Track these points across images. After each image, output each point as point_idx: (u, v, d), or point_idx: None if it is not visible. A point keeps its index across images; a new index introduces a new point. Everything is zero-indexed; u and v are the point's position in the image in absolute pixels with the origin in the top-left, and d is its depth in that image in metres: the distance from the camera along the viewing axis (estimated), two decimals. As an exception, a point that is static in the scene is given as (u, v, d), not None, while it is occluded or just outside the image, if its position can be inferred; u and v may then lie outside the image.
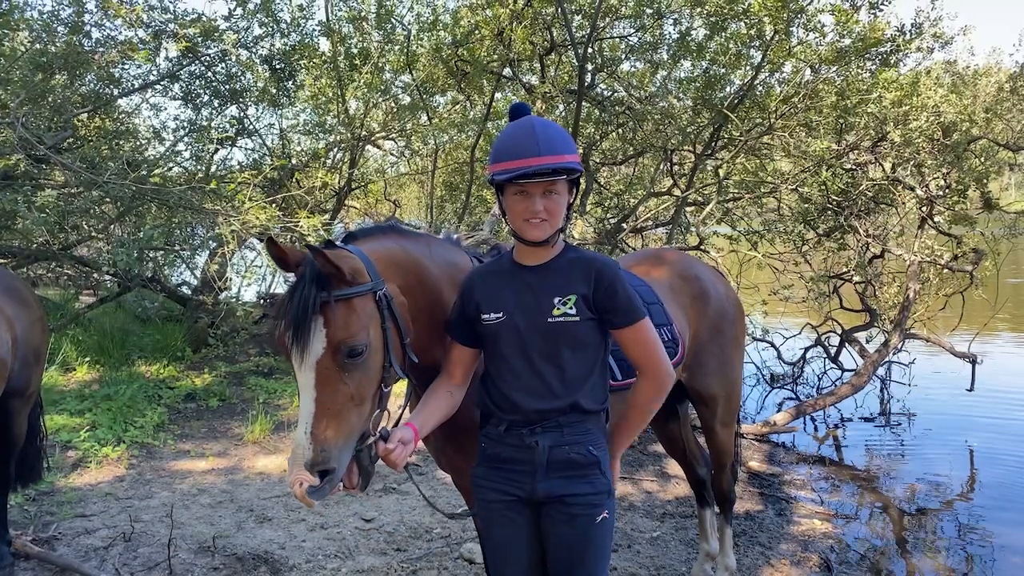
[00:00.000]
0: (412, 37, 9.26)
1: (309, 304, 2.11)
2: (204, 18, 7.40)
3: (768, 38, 7.75)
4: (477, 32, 9.07)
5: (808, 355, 9.46)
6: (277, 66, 8.81)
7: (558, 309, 2.29)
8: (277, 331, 2.17)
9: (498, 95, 9.72)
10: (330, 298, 2.13)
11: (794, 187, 8.12)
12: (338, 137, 9.14)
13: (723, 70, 8.51)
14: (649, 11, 8.82)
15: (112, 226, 8.27)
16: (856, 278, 8.62)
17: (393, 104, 9.69)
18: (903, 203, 8.36)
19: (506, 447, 2.34)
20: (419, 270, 2.46)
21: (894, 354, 8.61)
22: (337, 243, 2.32)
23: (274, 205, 7.35)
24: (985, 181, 8.08)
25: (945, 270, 8.36)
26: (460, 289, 2.46)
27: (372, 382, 2.22)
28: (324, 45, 9.32)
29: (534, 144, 2.23)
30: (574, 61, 8.81)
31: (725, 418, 3.86)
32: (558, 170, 2.22)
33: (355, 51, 9.20)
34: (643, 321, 2.35)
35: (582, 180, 2.40)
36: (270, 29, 8.40)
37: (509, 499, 2.35)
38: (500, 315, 2.33)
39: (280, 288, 9.85)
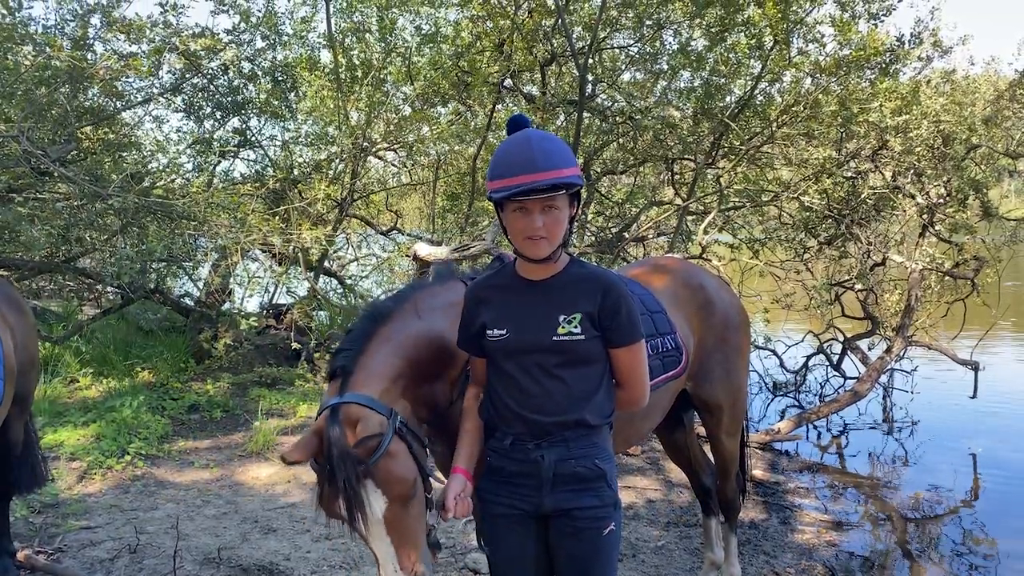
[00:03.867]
0: (413, 49, 9.30)
1: (357, 483, 2.16)
2: (208, 32, 7.44)
3: (768, 48, 7.79)
4: (478, 43, 9.11)
5: (810, 363, 9.46)
6: (279, 78, 8.85)
7: (563, 328, 2.27)
8: (329, 504, 2.23)
9: (499, 106, 9.76)
10: (369, 464, 2.19)
11: (795, 195, 8.14)
12: (340, 148, 9.17)
13: (723, 80, 8.55)
14: (649, 22, 8.86)
15: (115, 238, 8.29)
16: (858, 286, 8.63)
17: (395, 115, 9.73)
18: (904, 211, 8.39)
19: (512, 461, 2.34)
20: (416, 347, 2.51)
21: (896, 361, 8.62)
22: (335, 401, 2.30)
23: (276, 217, 7.39)
24: (985, 189, 8.10)
25: (946, 277, 8.37)
26: (464, 304, 2.46)
27: (423, 498, 2.34)
28: (326, 57, 9.37)
29: (531, 159, 2.18)
30: (575, 72, 8.85)
31: (730, 427, 3.87)
32: (557, 185, 2.18)
33: (357, 63, 9.24)
34: (640, 343, 2.38)
35: (583, 192, 2.40)
36: (272, 42, 8.45)
37: (516, 513, 2.35)
38: (505, 332, 2.32)
39: (282, 299, 9.88)
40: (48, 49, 6.68)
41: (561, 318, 2.28)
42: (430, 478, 2.42)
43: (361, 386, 2.33)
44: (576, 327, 2.27)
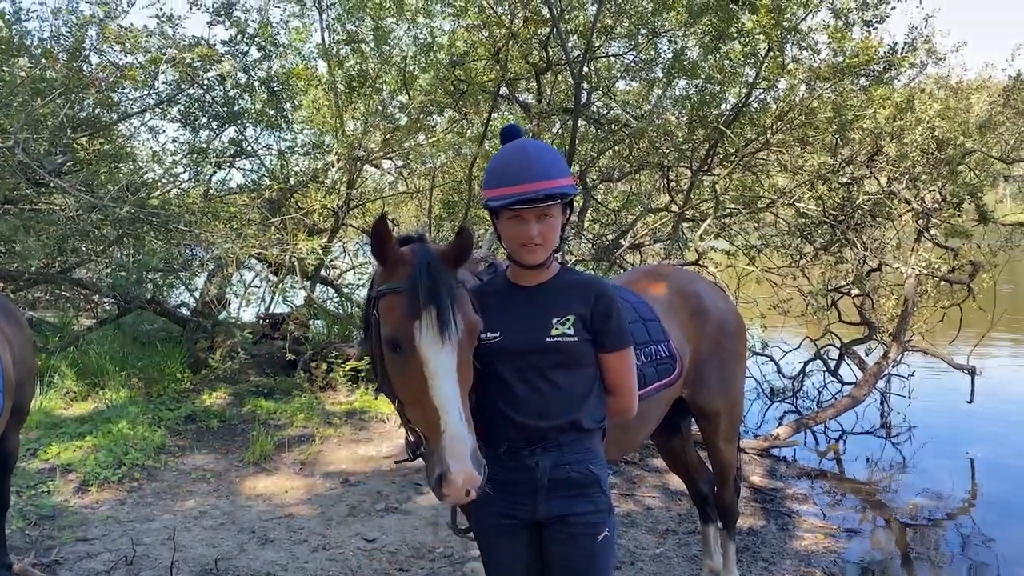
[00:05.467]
0: (409, 59, 9.32)
1: (453, 286, 2.16)
2: (203, 43, 7.45)
3: (762, 55, 7.82)
4: (473, 52, 9.13)
5: (807, 369, 9.47)
6: (275, 88, 8.86)
7: (556, 329, 2.31)
8: (408, 319, 2.13)
9: (495, 114, 9.78)
10: (460, 283, 2.22)
11: (791, 202, 8.17)
12: (336, 158, 9.18)
13: (718, 87, 8.57)
14: (644, 31, 8.89)
15: (111, 248, 8.28)
16: (854, 291, 8.65)
17: (391, 124, 9.74)
18: (899, 216, 8.41)
19: (505, 469, 2.33)
20: None
21: (893, 367, 8.62)
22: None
23: (273, 228, 7.39)
24: (980, 194, 8.12)
25: (943, 282, 8.39)
26: None
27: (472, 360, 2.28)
28: (322, 67, 9.39)
29: (527, 169, 2.25)
30: (570, 80, 8.88)
31: (727, 433, 3.87)
32: (552, 195, 2.24)
33: (353, 73, 9.26)
34: (629, 349, 2.41)
35: (578, 200, 2.44)
36: (268, 52, 8.46)
37: (510, 522, 2.36)
38: (497, 335, 2.34)
39: (279, 308, 9.86)
40: (44, 60, 6.70)
41: (554, 320, 2.32)
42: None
43: None
44: (569, 328, 2.31)
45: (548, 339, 2.30)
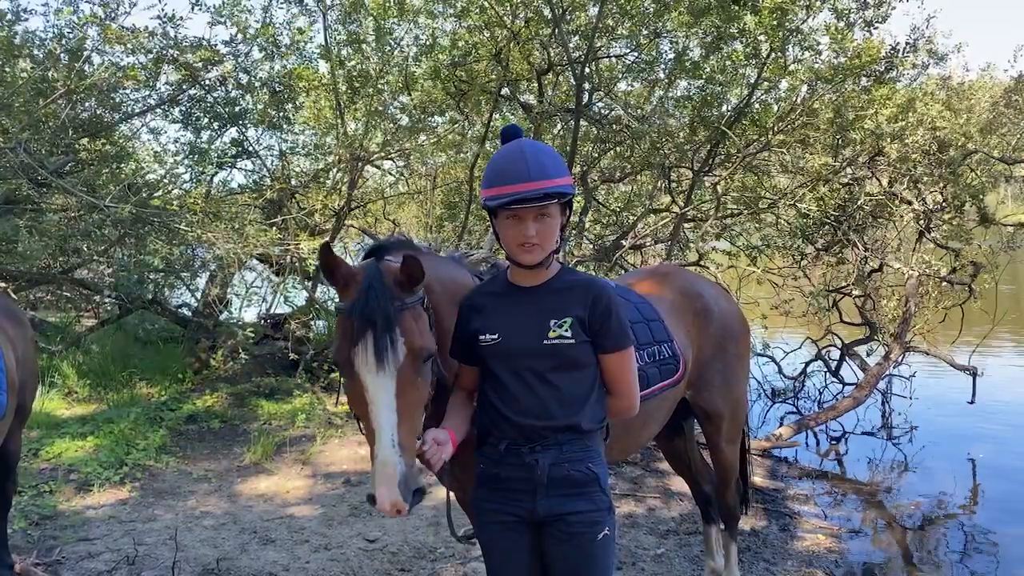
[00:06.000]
0: (410, 59, 9.32)
1: (390, 312, 2.13)
2: (205, 44, 7.44)
3: (764, 56, 7.82)
4: (474, 52, 9.13)
5: (809, 369, 9.47)
6: (276, 88, 8.86)
7: (554, 331, 2.31)
8: (346, 346, 2.15)
9: (496, 115, 9.77)
10: (404, 305, 2.18)
11: (792, 202, 8.16)
12: (337, 158, 9.18)
13: (719, 88, 8.57)
14: (645, 31, 8.89)
15: (113, 248, 8.28)
16: (855, 292, 8.64)
17: (392, 125, 9.75)
18: (901, 217, 8.41)
19: (505, 467, 2.35)
20: (429, 287, 2.47)
21: (895, 367, 8.63)
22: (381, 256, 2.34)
23: (275, 228, 7.38)
24: (981, 196, 8.12)
25: (944, 283, 8.39)
26: (458, 310, 2.47)
27: (428, 388, 2.28)
28: (323, 67, 9.38)
29: (525, 169, 2.25)
30: (571, 80, 8.88)
31: (730, 434, 3.87)
32: (549, 194, 2.24)
33: (354, 73, 9.26)
34: (629, 349, 2.41)
35: (577, 201, 2.44)
36: (269, 53, 8.45)
37: (510, 519, 2.36)
38: (496, 336, 2.35)
39: (280, 308, 9.86)
40: (46, 61, 6.70)
41: (552, 322, 2.32)
42: (438, 365, 2.35)
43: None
44: (567, 331, 2.31)
45: (545, 342, 2.31)
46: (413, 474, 2.11)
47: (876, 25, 7.75)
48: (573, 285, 2.38)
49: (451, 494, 2.63)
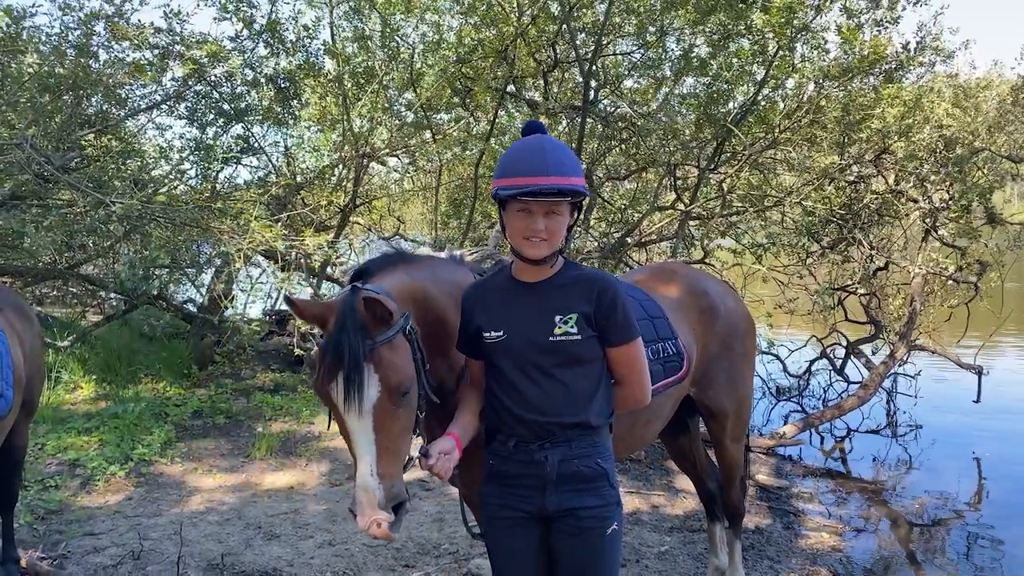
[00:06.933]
0: (416, 56, 9.32)
1: (359, 352, 2.14)
2: (211, 40, 7.45)
3: (771, 54, 7.79)
4: (480, 50, 9.12)
5: (814, 368, 9.46)
6: (282, 85, 8.86)
7: (559, 328, 2.30)
8: (323, 382, 2.19)
9: (501, 112, 9.77)
10: (376, 343, 2.17)
11: (798, 200, 8.15)
12: (343, 155, 9.18)
13: (726, 86, 8.55)
14: (652, 28, 8.87)
15: (118, 244, 8.30)
16: (861, 290, 8.63)
17: (397, 121, 9.75)
18: (907, 215, 8.38)
19: (514, 463, 2.35)
20: (426, 297, 2.49)
21: (900, 366, 8.61)
22: (358, 285, 2.30)
23: (280, 224, 7.38)
24: (988, 196, 8.10)
25: (950, 282, 8.37)
26: (461, 307, 2.47)
27: (414, 413, 2.29)
28: (329, 64, 9.38)
29: (542, 163, 2.23)
30: (578, 78, 8.86)
31: (735, 432, 3.86)
32: (563, 191, 2.22)
33: (359, 70, 9.26)
34: (637, 341, 2.40)
35: (584, 202, 2.42)
36: (275, 49, 8.46)
37: (518, 516, 2.36)
38: (501, 333, 2.34)
39: (285, 305, 9.87)
40: (52, 56, 6.70)
41: (557, 318, 2.30)
42: (424, 387, 2.36)
43: (380, 283, 2.34)
44: (572, 327, 2.30)
45: (551, 338, 2.30)
46: (393, 494, 2.18)
47: (886, 25, 7.71)
48: (577, 280, 2.36)
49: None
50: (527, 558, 2.39)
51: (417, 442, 2.43)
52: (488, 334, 2.36)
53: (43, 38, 7.40)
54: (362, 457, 2.17)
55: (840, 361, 9.17)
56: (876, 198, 8.35)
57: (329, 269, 9.79)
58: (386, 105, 9.24)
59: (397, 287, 2.37)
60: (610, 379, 2.42)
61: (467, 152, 10.37)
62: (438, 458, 2.24)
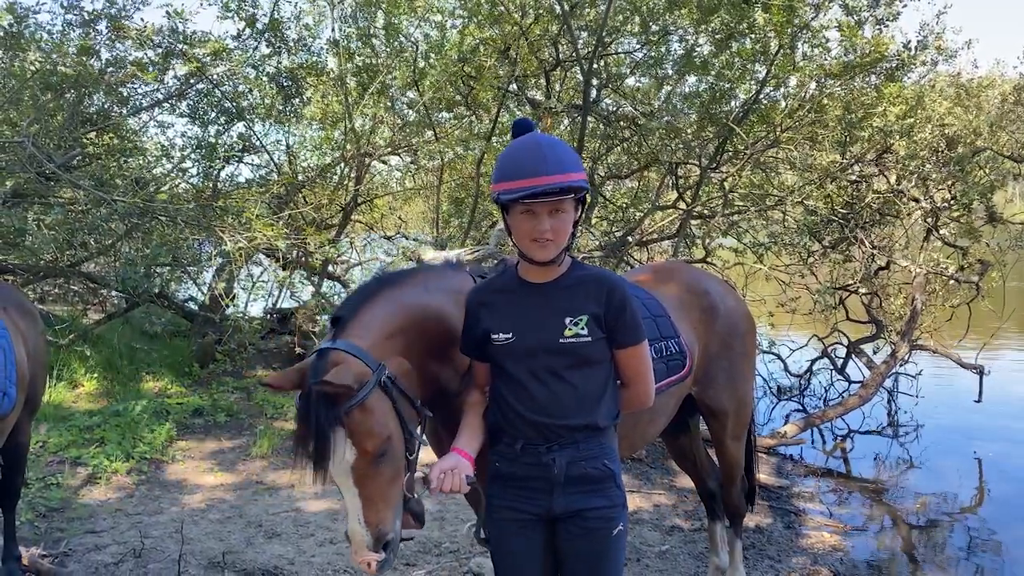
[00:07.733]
0: (419, 55, 9.32)
1: (326, 426, 2.15)
2: (213, 38, 7.46)
3: (773, 53, 7.79)
4: (482, 48, 9.12)
5: (815, 367, 9.45)
6: (284, 83, 8.87)
7: (570, 330, 2.27)
8: (298, 449, 2.22)
9: (503, 110, 9.76)
10: (341, 413, 2.16)
11: (799, 200, 8.14)
12: (344, 153, 9.19)
13: (728, 85, 8.54)
14: (655, 27, 8.86)
15: (120, 242, 8.31)
16: (862, 290, 8.62)
17: (399, 120, 9.75)
18: (908, 215, 8.38)
19: (522, 466, 2.33)
20: (417, 316, 2.47)
21: (901, 365, 8.60)
22: (325, 346, 2.29)
23: (281, 222, 7.40)
24: (989, 195, 8.09)
25: (951, 281, 8.36)
26: (466, 309, 2.44)
27: (400, 458, 2.30)
28: (331, 63, 9.39)
29: (541, 162, 2.18)
30: (579, 77, 8.86)
31: (735, 432, 3.86)
32: (566, 189, 2.18)
33: (362, 68, 9.26)
34: (644, 343, 2.39)
35: (588, 196, 2.39)
36: (277, 48, 8.47)
37: (525, 517, 2.35)
38: (510, 336, 2.31)
39: (286, 303, 9.88)
40: (54, 55, 6.71)
41: (567, 320, 2.28)
42: (417, 441, 2.37)
43: (355, 336, 2.30)
44: (583, 329, 2.28)
45: (562, 340, 2.27)
46: (380, 536, 2.23)
47: (887, 23, 7.71)
48: (585, 280, 2.33)
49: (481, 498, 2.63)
50: (532, 560, 2.38)
51: (425, 450, 2.46)
52: (496, 336, 2.33)
53: (45, 36, 7.41)
54: (348, 506, 2.25)
55: (841, 360, 9.17)
56: (877, 197, 8.34)
57: (330, 268, 9.80)
58: (388, 104, 9.25)
59: (376, 329, 2.34)
60: (616, 381, 2.41)
61: (469, 151, 10.37)
62: (439, 480, 2.25)
